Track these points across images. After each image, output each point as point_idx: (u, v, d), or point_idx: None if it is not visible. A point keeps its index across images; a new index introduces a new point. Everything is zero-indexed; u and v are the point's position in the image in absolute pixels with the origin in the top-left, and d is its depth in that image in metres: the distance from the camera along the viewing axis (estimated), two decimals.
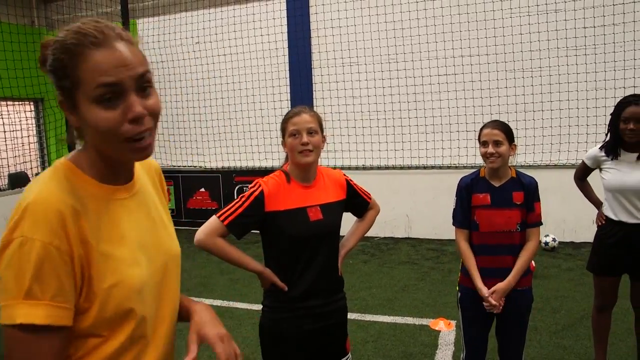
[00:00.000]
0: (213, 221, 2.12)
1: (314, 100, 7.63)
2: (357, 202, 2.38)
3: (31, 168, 8.60)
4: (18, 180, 8.14)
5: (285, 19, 7.68)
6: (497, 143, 2.53)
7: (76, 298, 1.00)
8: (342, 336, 2.31)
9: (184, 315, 1.34)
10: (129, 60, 0.98)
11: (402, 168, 7.19)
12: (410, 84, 7.13)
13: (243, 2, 7.95)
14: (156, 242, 1.17)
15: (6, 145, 8.19)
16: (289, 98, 7.78)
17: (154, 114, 1.03)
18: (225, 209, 2.14)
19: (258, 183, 2.16)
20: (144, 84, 1.01)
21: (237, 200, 2.14)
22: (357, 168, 7.36)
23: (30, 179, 8.18)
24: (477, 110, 6.73)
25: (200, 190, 8.35)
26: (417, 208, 7.05)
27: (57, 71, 0.98)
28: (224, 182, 8.09)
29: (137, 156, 1.04)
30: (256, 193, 2.12)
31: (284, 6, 7.67)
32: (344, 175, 2.35)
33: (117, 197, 1.10)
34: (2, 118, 8.21)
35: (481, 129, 2.62)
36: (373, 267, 5.94)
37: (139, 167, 1.20)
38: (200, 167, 8.42)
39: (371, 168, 7.34)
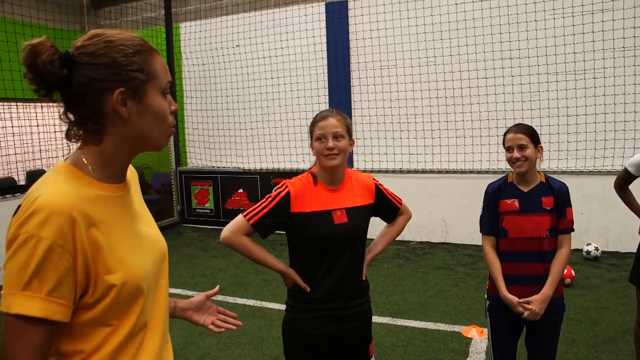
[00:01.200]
0: (239, 220, 2.15)
1: (352, 103, 7.63)
2: (387, 206, 2.35)
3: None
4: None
5: (324, 22, 7.72)
6: (521, 147, 2.48)
7: (78, 295, 1.07)
8: (364, 340, 2.30)
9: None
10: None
11: (439, 172, 7.10)
12: (448, 87, 7.05)
13: (282, 5, 8.03)
14: (150, 235, 1.28)
15: (57, 145, 8.50)
16: (327, 101, 7.81)
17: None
18: (252, 208, 2.17)
19: (285, 184, 2.18)
20: None
21: (264, 200, 2.16)
22: (394, 171, 7.32)
23: None
24: (516, 114, 6.58)
25: (239, 191, 8.47)
26: (454, 213, 6.95)
27: (128, 65, 1.12)
28: (261, 184, 8.19)
29: (166, 142, 1.25)
30: (282, 194, 2.14)
31: (322, 9, 7.71)
32: (374, 179, 2.33)
33: (116, 194, 1.19)
34: (54, 119, 8.54)
35: (505, 135, 2.58)
36: (407, 272, 5.88)
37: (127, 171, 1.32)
38: (239, 168, 8.54)
39: (408, 172, 7.27)
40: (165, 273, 1.33)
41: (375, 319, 4.17)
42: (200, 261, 6.68)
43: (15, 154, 7.42)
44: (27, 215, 1.01)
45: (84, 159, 1.14)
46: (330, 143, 2.11)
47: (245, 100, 8.53)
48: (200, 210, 8.85)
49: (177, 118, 8.77)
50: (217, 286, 1.76)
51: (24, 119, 8.03)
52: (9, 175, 7.62)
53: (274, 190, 2.20)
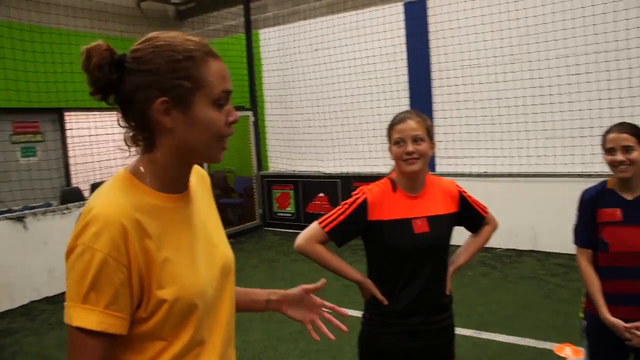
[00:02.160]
0: (314, 227, 2.09)
1: (433, 104, 7.40)
2: (471, 215, 2.21)
3: None
4: None
5: (403, 22, 7.54)
6: (626, 149, 2.20)
7: (134, 308, 1.06)
8: (445, 358, 2.16)
9: (258, 305, 1.49)
10: (228, 73, 1.15)
11: (527, 176, 6.70)
12: (536, 85, 6.62)
13: (360, 7, 7.95)
14: (212, 248, 1.22)
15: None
16: (407, 103, 7.63)
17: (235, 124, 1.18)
18: (327, 215, 2.11)
19: (362, 190, 2.10)
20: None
21: (340, 207, 2.09)
22: (478, 175, 7.00)
23: None
24: (614, 113, 6.07)
25: (320, 195, 8.48)
26: (544, 219, 6.52)
27: (173, 72, 1.06)
28: (342, 188, 8.14)
29: (220, 156, 1.15)
30: (359, 201, 2.07)
31: (401, 9, 7.54)
32: (457, 186, 2.19)
33: (175, 204, 1.15)
34: None
35: (605, 134, 2.31)
36: (493, 281, 5.59)
37: (192, 178, 1.24)
38: (320, 172, 8.54)
39: (494, 175, 6.91)
40: (230, 287, 1.27)
41: (458, 330, 3.96)
42: (281, 265, 6.73)
43: (109, 159, 7.86)
44: (83, 226, 1.02)
45: (141, 167, 1.13)
46: (410, 147, 2.00)
47: (325, 103, 8.53)
48: (282, 214, 8.94)
49: (257, 123, 8.93)
50: (322, 280, 1.58)
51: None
52: (103, 179, 8.10)
53: (350, 196, 2.12)
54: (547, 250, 6.53)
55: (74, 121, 8.39)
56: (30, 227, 5.78)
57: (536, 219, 6.59)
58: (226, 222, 9.02)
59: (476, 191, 2.29)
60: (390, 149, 2.09)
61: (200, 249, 1.17)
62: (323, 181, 8.43)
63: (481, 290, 5.29)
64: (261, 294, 1.50)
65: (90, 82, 1.07)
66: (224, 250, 1.26)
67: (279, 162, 9.21)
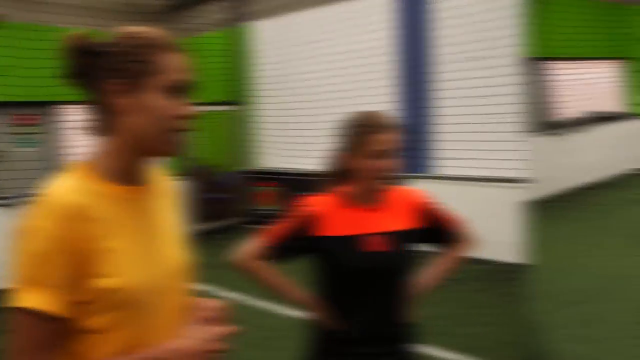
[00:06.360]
0: (253, 241, 1.87)
1: (430, 100, 6.82)
2: (439, 231, 1.93)
3: None
4: None
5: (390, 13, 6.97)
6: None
7: (74, 293, 1.04)
8: None
9: None
10: (189, 67, 1.17)
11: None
12: None
13: None
14: (165, 248, 1.21)
15: None
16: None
17: (192, 119, 1.16)
18: (268, 229, 1.90)
19: (307, 201, 1.87)
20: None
21: (282, 220, 1.87)
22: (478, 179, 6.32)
23: None
24: None
25: (304, 193, 8.05)
26: None
27: (128, 56, 1.09)
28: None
29: (171, 149, 1.15)
30: (303, 213, 1.84)
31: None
32: (424, 196, 1.92)
33: (126, 196, 1.15)
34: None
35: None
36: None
37: (157, 179, 1.27)
38: (307, 170, 7.86)
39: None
40: (174, 295, 1.21)
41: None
42: None
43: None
44: (33, 210, 1.05)
45: (96, 156, 1.15)
46: (392, 163, 1.77)
47: (313, 99, 8.11)
48: (265, 212, 8.43)
49: (242, 118, 8.75)
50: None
51: None
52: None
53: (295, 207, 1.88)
54: None
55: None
56: None
57: None
58: (209, 218, 8.87)
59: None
60: (354, 160, 1.77)
61: (151, 246, 1.17)
62: (308, 179, 7.92)
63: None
64: None
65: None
66: (175, 255, 1.24)
67: (265, 158, 8.96)
